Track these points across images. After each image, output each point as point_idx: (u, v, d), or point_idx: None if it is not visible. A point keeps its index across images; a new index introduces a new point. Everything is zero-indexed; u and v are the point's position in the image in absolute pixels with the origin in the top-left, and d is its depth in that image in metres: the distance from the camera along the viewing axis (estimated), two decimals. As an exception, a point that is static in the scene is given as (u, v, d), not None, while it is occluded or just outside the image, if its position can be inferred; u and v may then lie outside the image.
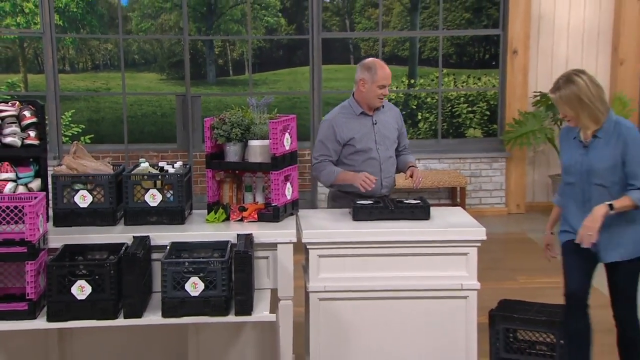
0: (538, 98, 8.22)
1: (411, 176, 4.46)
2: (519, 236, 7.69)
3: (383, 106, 4.57)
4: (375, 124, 4.53)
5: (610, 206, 3.60)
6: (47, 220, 3.64)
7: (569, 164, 3.81)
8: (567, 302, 3.80)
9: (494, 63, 8.86)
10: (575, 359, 3.79)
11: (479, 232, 3.89)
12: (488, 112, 9.34)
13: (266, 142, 3.86)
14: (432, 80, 9.65)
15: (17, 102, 3.89)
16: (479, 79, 9.89)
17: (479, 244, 3.90)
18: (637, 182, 3.61)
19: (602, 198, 3.66)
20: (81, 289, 3.33)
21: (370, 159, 4.48)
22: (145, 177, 3.78)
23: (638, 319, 3.79)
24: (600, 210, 3.60)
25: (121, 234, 3.64)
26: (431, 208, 4.11)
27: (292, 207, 3.99)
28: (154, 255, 3.60)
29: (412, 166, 4.58)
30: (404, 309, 3.90)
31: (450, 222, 4.04)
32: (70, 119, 10.12)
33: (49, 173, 3.84)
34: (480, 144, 9.01)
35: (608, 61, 8.37)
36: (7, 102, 3.89)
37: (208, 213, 3.91)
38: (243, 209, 3.86)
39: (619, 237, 3.70)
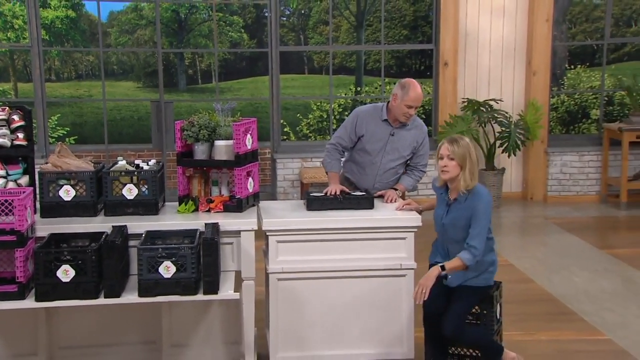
0: (465, 104, 8.32)
1: (382, 195, 4.28)
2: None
3: (407, 124, 4.35)
4: (392, 135, 4.34)
5: (442, 267, 3.57)
6: (35, 212, 3.58)
7: (436, 217, 3.83)
8: (425, 318, 3.76)
9: (428, 73, 8.92)
10: (436, 352, 3.81)
11: (416, 220, 3.92)
12: (424, 116, 9.37)
13: (230, 142, 3.83)
14: (376, 88, 9.68)
15: (7, 107, 3.81)
16: (416, 87, 9.92)
17: (415, 230, 3.93)
18: (470, 241, 3.61)
19: (455, 250, 3.68)
20: (66, 273, 3.28)
21: (371, 162, 4.38)
22: (123, 173, 3.72)
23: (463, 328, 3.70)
24: (434, 272, 3.56)
25: (101, 224, 3.59)
26: (375, 199, 4.13)
27: (254, 199, 3.96)
28: (131, 242, 3.55)
29: (394, 189, 4.34)
30: (352, 287, 3.91)
31: (391, 211, 4.06)
32: (56, 122, 9.91)
33: (36, 170, 3.76)
34: (416, 143, 9.01)
35: (523, 72, 8.50)
36: (-2, 108, 3.81)
37: (179, 205, 3.86)
38: (210, 201, 3.82)
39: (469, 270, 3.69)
